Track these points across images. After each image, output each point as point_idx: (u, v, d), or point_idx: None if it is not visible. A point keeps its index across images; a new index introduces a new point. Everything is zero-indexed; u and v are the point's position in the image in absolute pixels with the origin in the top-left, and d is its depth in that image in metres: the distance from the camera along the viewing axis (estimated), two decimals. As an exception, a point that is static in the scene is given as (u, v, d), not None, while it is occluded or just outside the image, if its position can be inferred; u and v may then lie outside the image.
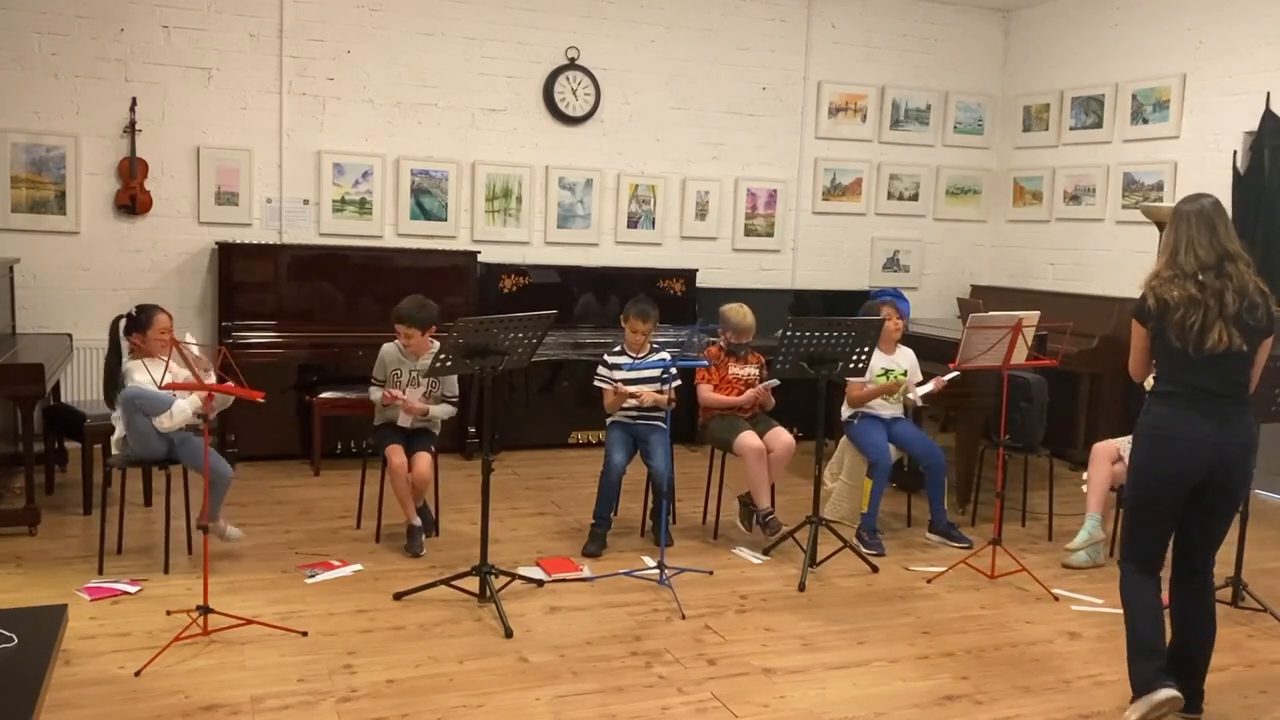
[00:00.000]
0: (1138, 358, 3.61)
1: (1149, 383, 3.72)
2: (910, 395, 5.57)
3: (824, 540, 5.03)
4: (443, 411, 5.14)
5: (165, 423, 4.54)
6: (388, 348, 5.13)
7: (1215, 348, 3.36)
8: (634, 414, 5.25)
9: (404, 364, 5.09)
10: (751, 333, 5.43)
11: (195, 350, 4.13)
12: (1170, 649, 3.59)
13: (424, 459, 5.00)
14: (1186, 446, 3.42)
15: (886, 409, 5.56)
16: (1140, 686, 3.50)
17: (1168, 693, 3.42)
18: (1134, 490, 3.61)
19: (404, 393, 5.01)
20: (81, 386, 6.40)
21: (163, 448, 4.64)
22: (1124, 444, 5.22)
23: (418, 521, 5.00)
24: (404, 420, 5.08)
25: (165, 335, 4.60)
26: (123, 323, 4.74)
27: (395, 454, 4.93)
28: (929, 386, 5.52)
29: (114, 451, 4.77)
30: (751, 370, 5.43)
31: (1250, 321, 3.39)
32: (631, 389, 5.16)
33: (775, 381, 5.33)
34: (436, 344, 4.92)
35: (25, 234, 6.44)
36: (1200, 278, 3.40)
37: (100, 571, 4.52)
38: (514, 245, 7.55)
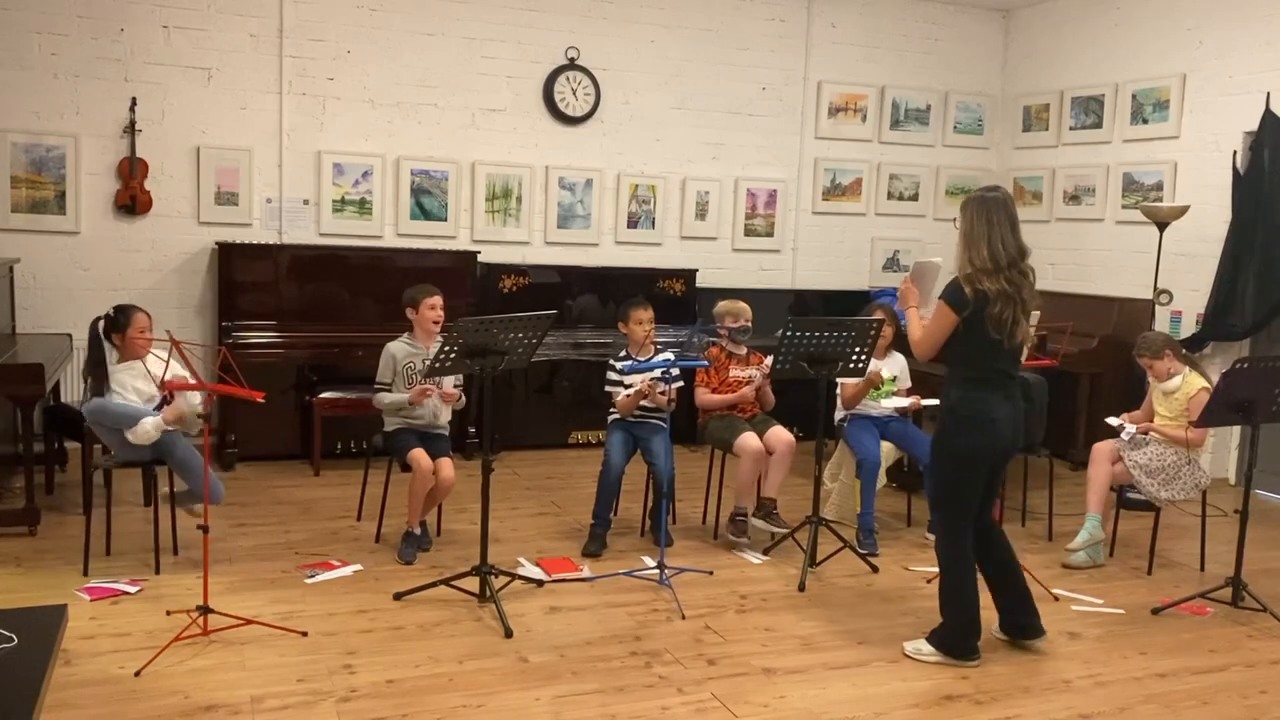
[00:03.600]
0: (936, 340, 3.88)
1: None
2: (884, 400, 5.53)
3: (824, 540, 5.03)
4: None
5: (131, 440, 4.50)
6: (393, 345, 5.08)
7: (1022, 341, 3.81)
8: (638, 413, 5.25)
9: (416, 355, 5.05)
10: (745, 315, 5.42)
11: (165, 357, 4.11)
12: (1005, 598, 4.11)
13: (448, 463, 4.93)
14: (1001, 424, 3.83)
15: (876, 409, 5.55)
16: (961, 651, 3.94)
17: (977, 663, 3.94)
18: (958, 471, 3.92)
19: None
20: (81, 386, 6.38)
21: (149, 450, 4.61)
22: (1123, 444, 5.23)
23: (418, 530, 5.00)
24: (445, 414, 5.05)
25: (145, 334, 4.60)
26: (101, 324, 4.68)
27: (422, 457, 4.84)
28: (904, 402, 5.50)
29: (113, 452, 4.76)
30: (753, 372, 5.42)
31: (1035, 315, 3.90)
32: (637, 383, 5.15)
33: (759, 376, 5.35)
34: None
35: (25, 234, 6.43)
36: (1008, 273, 3.73)
37: (85, 573, 4.50)
38: (514, 245, 7.55)
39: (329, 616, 4.18)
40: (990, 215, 3.75)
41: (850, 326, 4.83)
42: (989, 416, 3.81)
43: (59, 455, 6.02)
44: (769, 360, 5.33)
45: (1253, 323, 6.70)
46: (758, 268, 8.27)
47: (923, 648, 4.00)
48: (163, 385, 4.37)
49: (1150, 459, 5.11)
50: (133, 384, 4.59)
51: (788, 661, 3.95)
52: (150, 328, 4.68)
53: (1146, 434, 5.18)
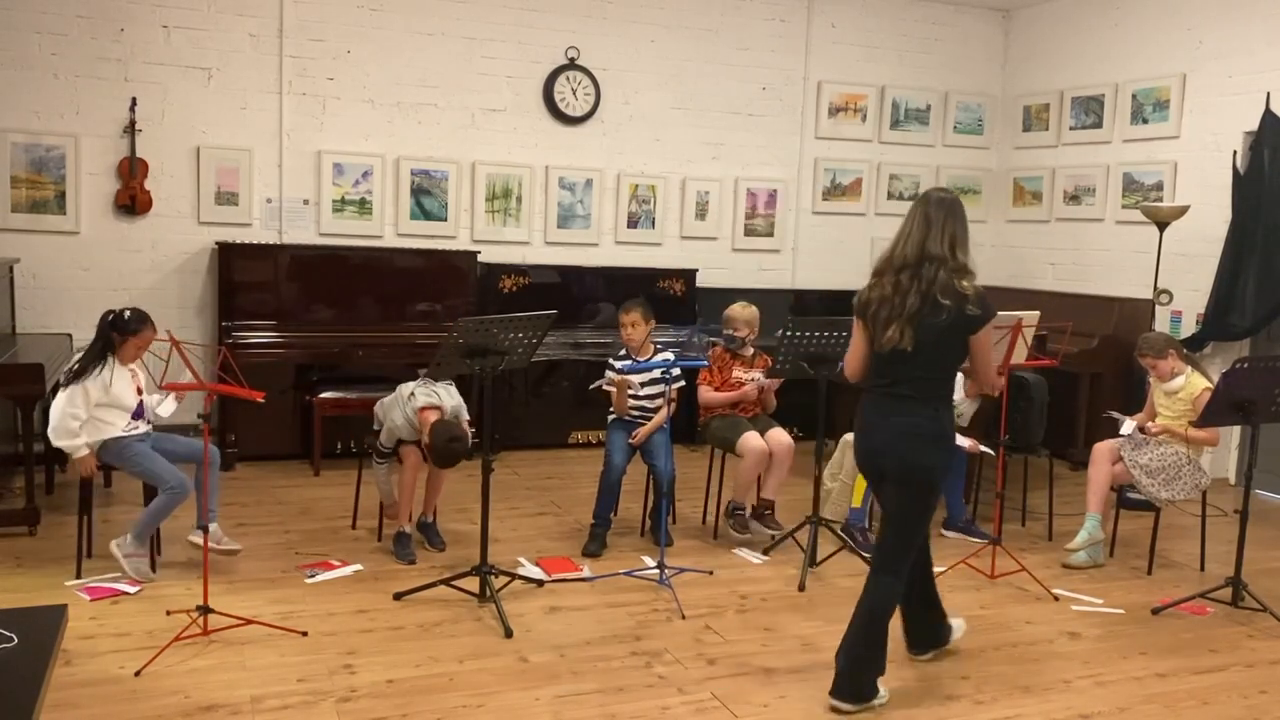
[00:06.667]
0: (856, 351, 3.70)
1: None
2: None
3: (824, 540, 5.02)
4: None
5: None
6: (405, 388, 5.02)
7: (887, 344, 3.53)
8: (637, 414, 5.25)
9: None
10: (748, 327, 5.42)
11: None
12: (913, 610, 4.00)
13: None
14: (862, 437, 3.67)
15: None
16: (871, 690, 3.61)
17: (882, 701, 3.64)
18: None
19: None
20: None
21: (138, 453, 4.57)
22: (1124, 444, 5.23)
23: (408, 529, 4.97)
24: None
25: (143, 349, 4.55)
26: (110, 317, 4.56)
27: (411, 453, 4.91)
28: (963, 443, 5.48)
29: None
30: (756, 375, 5.41)
31: (929, 322, 3.48)
32: (631, 377, 5.15)
33: (763, 380, 5.34)
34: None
35: (25, 234, 6.43)
36: (899, 275, 3.55)
37: (79, 575, 4.48)
38: (514, 245, 7.55)
39: (329, 616, 4.18)
40: (915, 214, 3.60)
41: (850, 327, 4.82)
42: (859, 427, 3.69)
43: (59, 455, 5.99)
44: (761, 380, 5.36)
45: (1253, 323, 6.70)
46: (758, 268, 8.27)
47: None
48: (162, 386, 4.37)
49: (1151, 459, 5.11)
50: (121, 393, 4.53)
51: (788, 661, 3.95)
52: (150, 344, 4.58)
53: (1156, 434, 5.13)
